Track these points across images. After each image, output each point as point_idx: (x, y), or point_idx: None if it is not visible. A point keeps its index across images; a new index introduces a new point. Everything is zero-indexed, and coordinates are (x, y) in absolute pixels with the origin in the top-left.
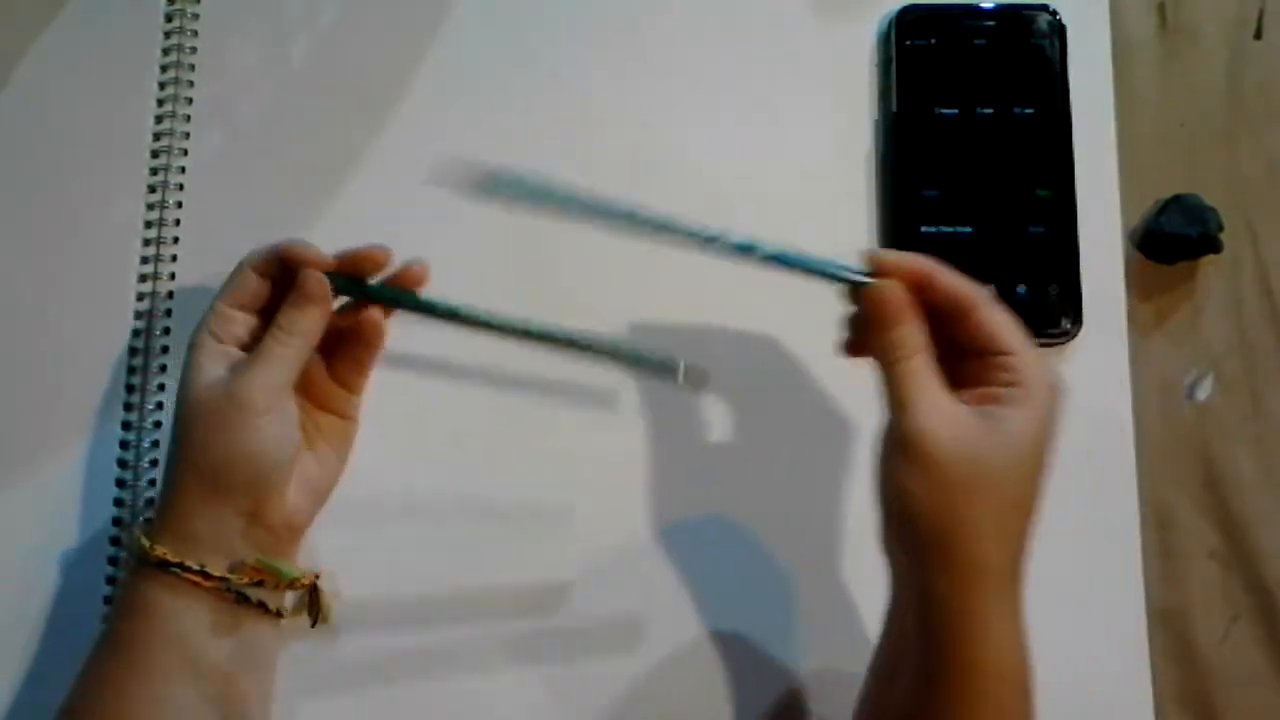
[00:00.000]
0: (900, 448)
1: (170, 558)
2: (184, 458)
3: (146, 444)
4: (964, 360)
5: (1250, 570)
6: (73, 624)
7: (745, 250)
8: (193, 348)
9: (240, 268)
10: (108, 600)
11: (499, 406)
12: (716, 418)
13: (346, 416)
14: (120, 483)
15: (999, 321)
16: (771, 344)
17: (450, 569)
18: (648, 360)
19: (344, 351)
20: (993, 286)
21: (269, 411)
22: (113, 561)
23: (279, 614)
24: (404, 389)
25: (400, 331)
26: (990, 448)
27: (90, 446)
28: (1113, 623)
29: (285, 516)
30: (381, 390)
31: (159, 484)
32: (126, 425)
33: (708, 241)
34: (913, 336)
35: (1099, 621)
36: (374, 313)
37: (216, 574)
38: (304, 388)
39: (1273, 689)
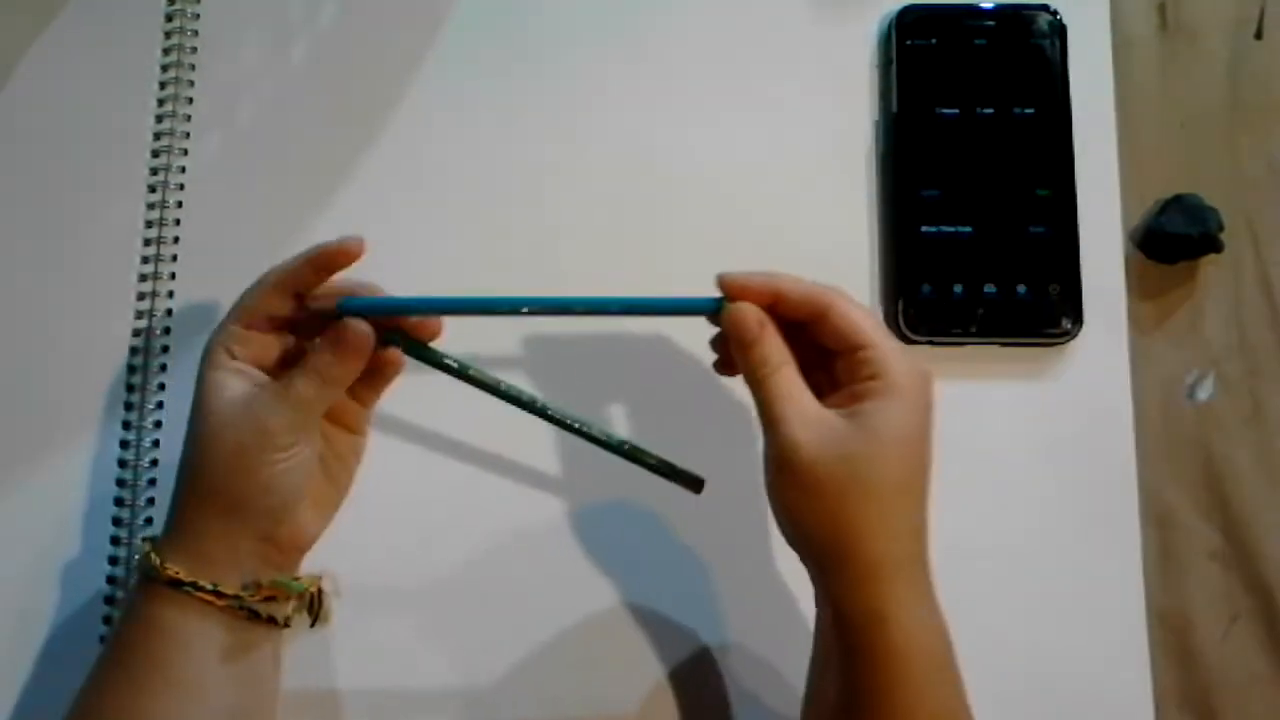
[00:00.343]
0: (776, 464)
1: (183, 577)
2: (199, 480)
3: (146, 444)
4: (831, 363)
5: (1250, 570)
6: (73, 625)
7: (599, 306)
8: (207, 363)
9: (257, 284)
10: (108, 600)
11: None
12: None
13: (358, 431)
14: (120, 482)
15: (854, 318)
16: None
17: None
18: (673, 471)
19: (364, 374)
20: (993, 286)
21: (294, 447)
22: (113, 562)
23: (285, 624)
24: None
25: None
26: (859, 446)
27: (90, 447)
28: (1113, 623)
29: (297, 535)
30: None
31: (171, 497)
32: (126, 425)
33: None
34: (773, 352)
35: (1099, 621)
36: (397, 352)
37: (229, 593)
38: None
39: (1273, 689)
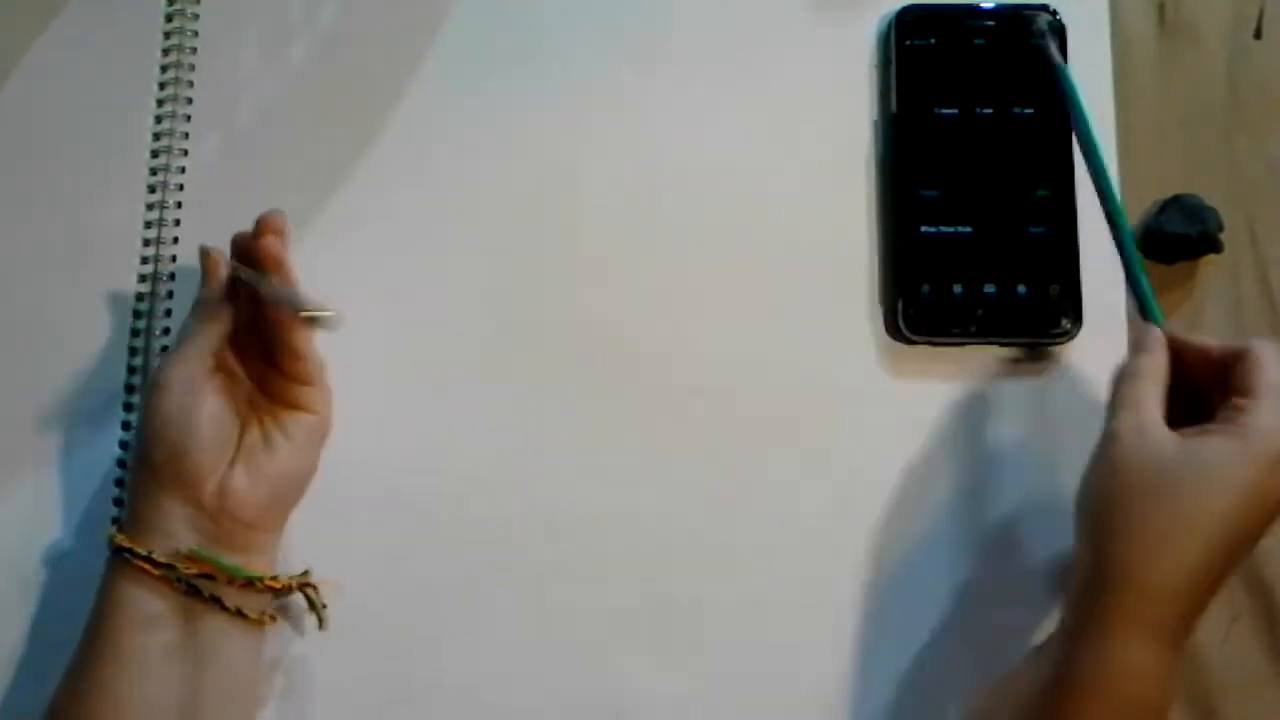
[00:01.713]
0: (1099, 447)
1: (122, 543)
2: (138, 448)
3: None
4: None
5: (1250, 570)
6: (72, 624)
7: None
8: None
9: (199, 290)
10: None
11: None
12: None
13: (304, 408)
14: (120, 482)
15: (1262, 367)
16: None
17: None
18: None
19: (278, 345)
20: (993, 286)
21: (175, 387)
22: None
23: (240, 613)
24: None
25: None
26: (1176, 465)
27: (90, 446)
28: None
29: (231, 506)
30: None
31: None
32: (126, 425)
33: None
34: (1145, 366)
35: None
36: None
37: (161, 560)
38: (257, 380)
39: (1273, 689)
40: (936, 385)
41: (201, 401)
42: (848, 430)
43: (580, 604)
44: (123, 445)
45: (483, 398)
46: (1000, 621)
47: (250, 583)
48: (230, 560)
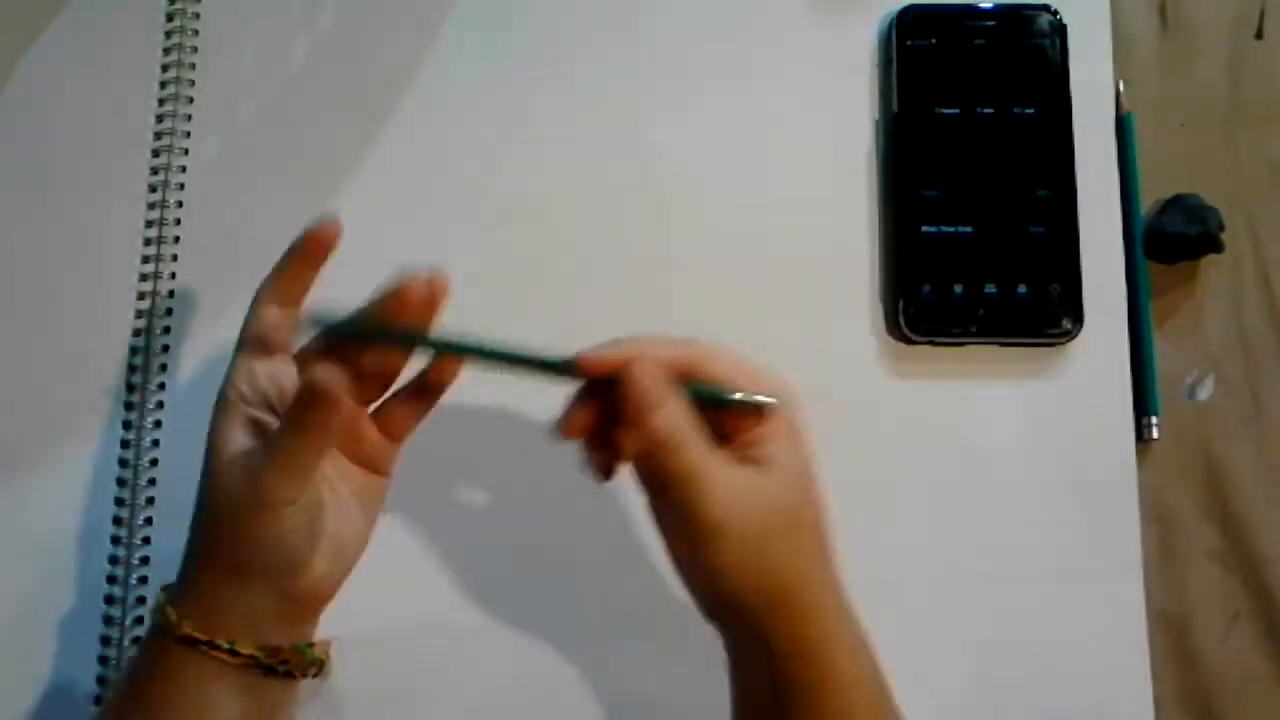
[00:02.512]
0: (703, 536)
1: (198, 635)
2: (207, 540)
3: (146, 443)
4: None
5: (1250, 570)
6: (73, 624)
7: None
8: (218, 408)
9: (252, 308)
10: (108, 600)
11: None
12: None
13: (381, 472)
14: (120, 482)
15: (726, 368)
16: None
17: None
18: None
19: (401, 398)
20: (993, 286)
21: (291, 504)
22: (113, 561)
23: (301, 676)
24: None
25: None
26: (780, 493)
27: (90, 446)
28: (1113, 623)
29: (315, 588)
30: None
31: (186, 546)
32: (127, 425)
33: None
34: (682, 419)
35: (1099, 621)
36: (449, 362)
37: (245, 653)
38: (342, 441)
39: (1273, 689)
40: (937, 385)
41: (316, 510)
42: (848, 430)
43: (580, 604)
44: (123, 445)
45: (482, 397)
46: (1000, 619)
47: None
48: (312, 650)
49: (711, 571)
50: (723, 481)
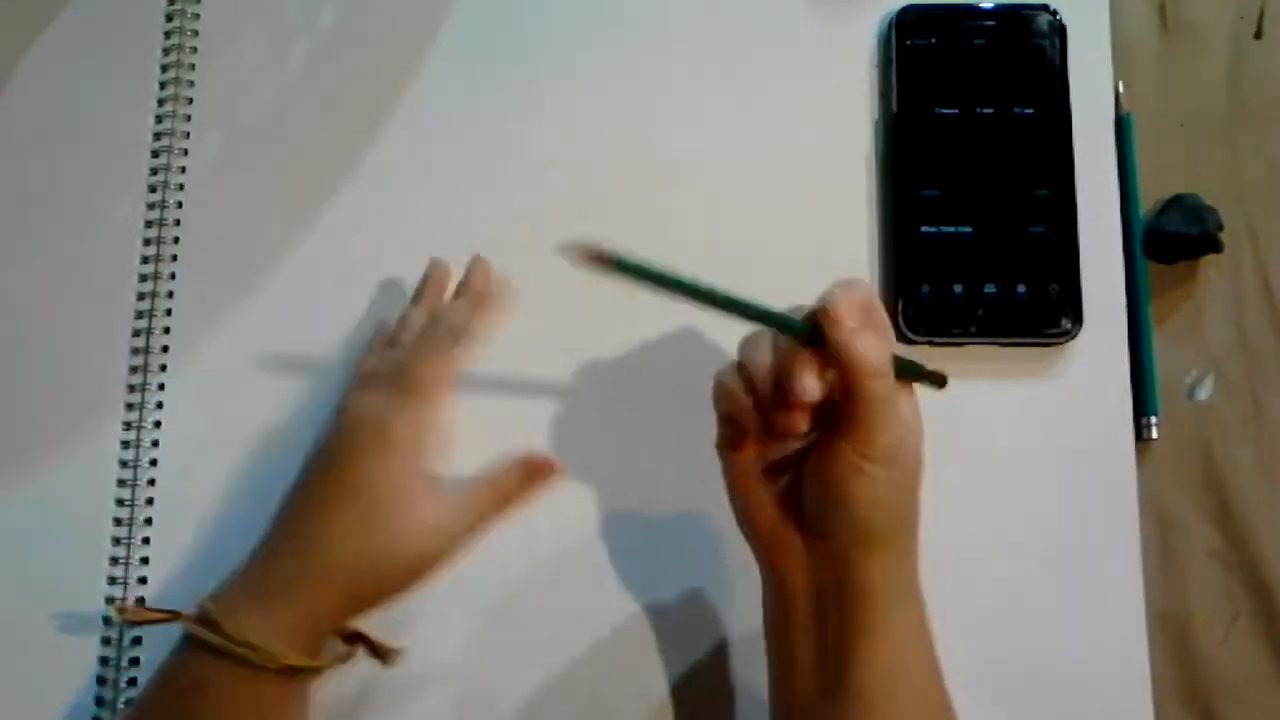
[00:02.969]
0: (871, 457)
1: (306, 665)
2: (342, 576)
3: (146, 444)
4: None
5: (1250, 570)
6: (73, 624)
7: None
8: (399, 462)
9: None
10: (109, 600)
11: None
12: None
13: None
14: (120, 482)
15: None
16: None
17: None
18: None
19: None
20: (993, 286)
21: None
22: (114, 562)
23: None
24: None
25: None
26: (919, 444)
27: (90, 446)
28: (1113, 623)
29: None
30: None
31: (261, 555)
32: (127, 425)
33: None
34: (883, 346)
35: (1099, 621)
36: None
37: (298, 664)
38: None
39: (1273, 689)
40: None
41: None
42: None
43: (581, 605)
44: (123, 445)
45: (481, 397)
46: (999, 617)
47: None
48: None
49: (855, 498)
50: (901, 417)
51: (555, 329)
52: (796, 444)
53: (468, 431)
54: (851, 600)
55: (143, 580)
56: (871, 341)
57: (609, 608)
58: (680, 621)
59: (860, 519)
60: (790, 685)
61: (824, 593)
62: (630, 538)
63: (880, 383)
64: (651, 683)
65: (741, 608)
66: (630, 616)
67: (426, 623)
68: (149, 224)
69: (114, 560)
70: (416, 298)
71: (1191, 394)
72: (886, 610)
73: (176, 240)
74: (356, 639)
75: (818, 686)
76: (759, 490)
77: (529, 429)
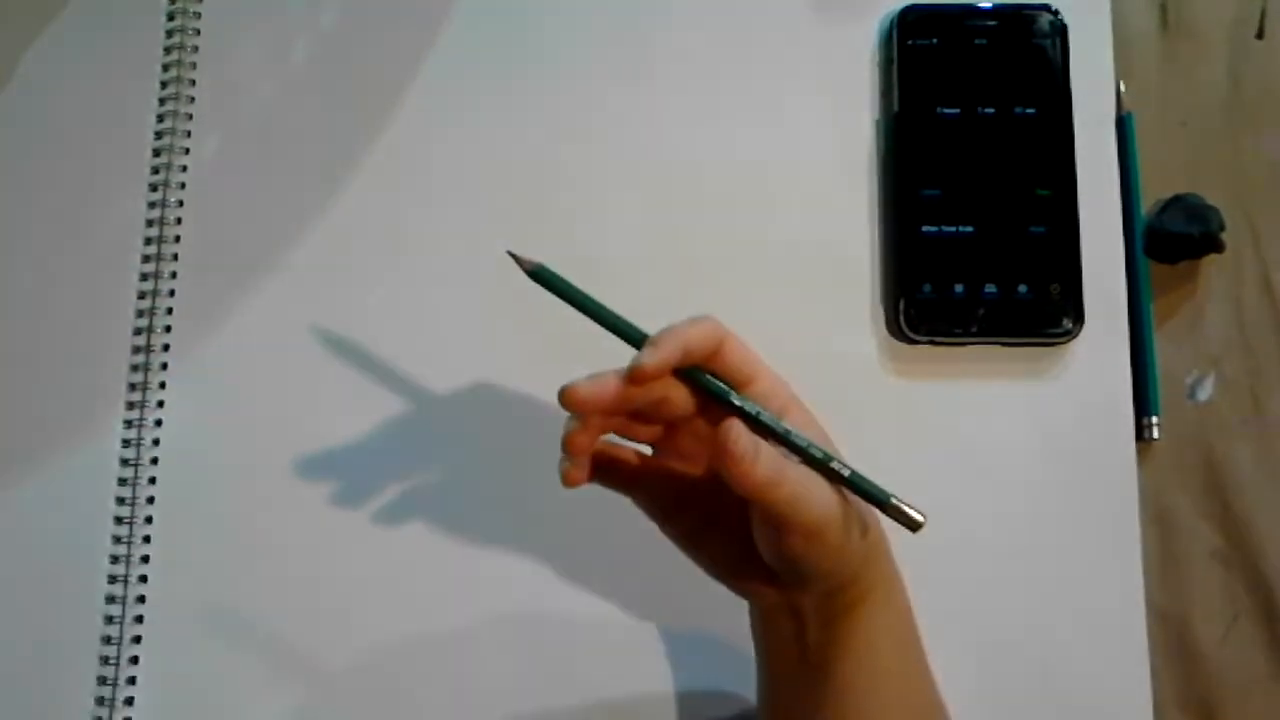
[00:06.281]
0: (807, 534)
1: None
2: None
3: (147, 443)
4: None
5: (1250, 570)
6: (74, 624)
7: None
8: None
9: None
10: (109, 600)
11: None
12: None
13: None
14: (121, 482)
15: (745, 351)
16: None
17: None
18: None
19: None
20: (994, 286)
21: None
22: (114, 561)
23: None
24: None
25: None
26: (839, 511)
27: (90, 446)
28: (1113, 623)
29: None
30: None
31: None
32: (127, 424)
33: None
34: (772, 461)
35: (1099, 621)
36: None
37: None
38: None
39: (1273, 689)
40: (937, 385)
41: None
42: (848, 429)
43: (582, 606)
44: (124, 444)
45: (481, 397)
46: (999, 619)
47: None
48: None
49: (811, 559)
50: (813, 491)
51: (555, 329)
52: (691, 469)
53: (466, 432)
54: (825, 614)
55: (143, 579)
56: (763, 459)
57: (608, 608)
58: (680, 621)
59: (813, 575)
60: (775, 686)
61: (797, 611)
62: (630, 537)
63: (783, 491)
64: (652, 682)
65: (742, 607)
66: (629, 617)
67: (426, 623)
68: (150, 223)
69: (114, 559)
70: None
71: (1192, 394)
72: (870, 615)
73: (178, 239)
74: None
75: (802, 685)
76: (710, 545)
77: (529, 430)
